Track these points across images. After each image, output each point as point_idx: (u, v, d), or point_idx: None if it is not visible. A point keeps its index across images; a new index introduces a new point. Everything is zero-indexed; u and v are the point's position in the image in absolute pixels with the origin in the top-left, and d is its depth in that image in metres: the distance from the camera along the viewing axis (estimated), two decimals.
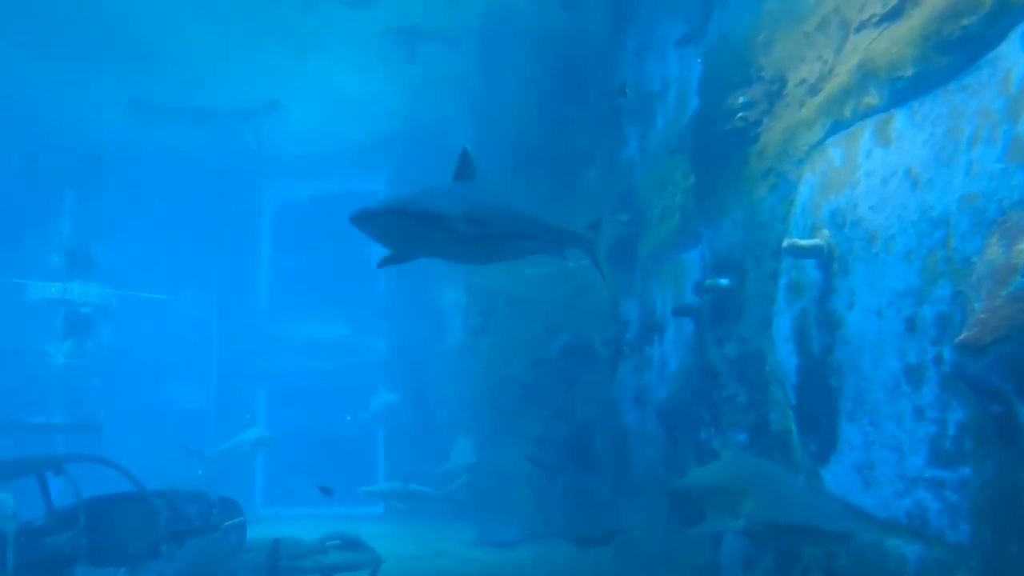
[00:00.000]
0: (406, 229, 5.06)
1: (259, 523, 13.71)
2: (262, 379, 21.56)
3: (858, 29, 6.44)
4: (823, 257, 6.52)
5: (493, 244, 5.55)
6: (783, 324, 7.19)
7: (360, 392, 19.82)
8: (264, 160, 19.39)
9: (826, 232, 6.52)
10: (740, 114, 7.96)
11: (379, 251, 5.31)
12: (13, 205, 17.47)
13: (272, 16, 13.17)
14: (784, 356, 7.15)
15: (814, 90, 7.02)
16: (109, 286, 19.23)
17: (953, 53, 5.27)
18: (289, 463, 19.60)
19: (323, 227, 17.05)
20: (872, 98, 6.08)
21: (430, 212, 5.07)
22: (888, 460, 5.73)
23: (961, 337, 4.72)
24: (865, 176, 6.12)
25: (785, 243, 6.74)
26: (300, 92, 16.08)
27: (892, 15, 6.00)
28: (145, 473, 9.39)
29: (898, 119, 5.81)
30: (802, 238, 6.71)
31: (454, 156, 5.86)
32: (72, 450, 14.06)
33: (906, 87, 5.72)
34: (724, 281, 8.15)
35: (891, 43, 5.90)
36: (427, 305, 19.59)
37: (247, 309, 21.92)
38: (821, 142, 6.79)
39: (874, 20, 6.21)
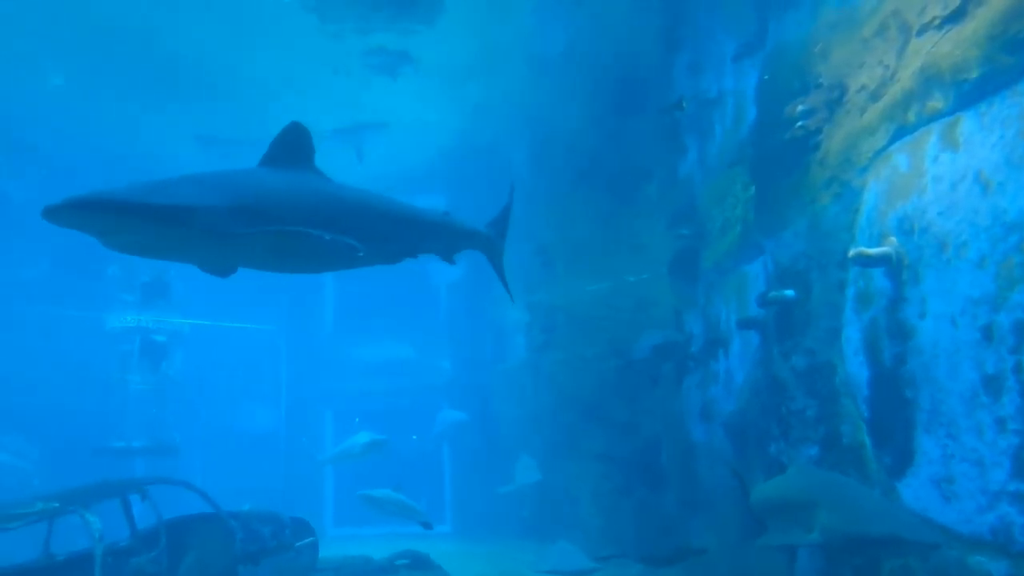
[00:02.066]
0: (133, 228, 4.00)
1: (330, 543, 13.94)
2: (330, 401, 21.98)
3: (919, 32, 6.31)
4: (892, 265, 6.37)
5: (299, 246, 4.44)
6: (852, 335, 7.04)
7: (426, 412, 20.02)
8: None
9: (894, 240, 6.38)
10: (800, 123, 7.86)
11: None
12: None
13: (332, 47, 13.54)
14: (854, 368, 6.99)
15: (875, 96, 6.90)
16: (182, 315, 19.91)
17: (1021, 53, 5.13)
18: (357, 482, 19.89)
19: None
20: (937, 102, 5.95)
21: (157, 205, 3.97)
22: (969, 474, 5.54)
23: None
24: (933, 181, 5.98)
25: (852, 252, 6.61)
26: (361, 119, 16.45)
27: (955, 16, 5.87)
28: (220, 495, 9.66)
29: (965, 122, 5.67)
30: (869, 246, 6.58)
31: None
32: (151, 473, 14.58)
33: (972, 89, 5.58)
34: (789, 292, 8.02)
35: (955, 45, 5.77)
36: (489, 324, 19.72)
37: (314, 334, 22.41)
38: (885, 148, 6.65)
39: (936, 23, 6.08)
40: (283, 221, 4.38)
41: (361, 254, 4.64)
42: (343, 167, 16.86)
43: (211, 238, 4.18)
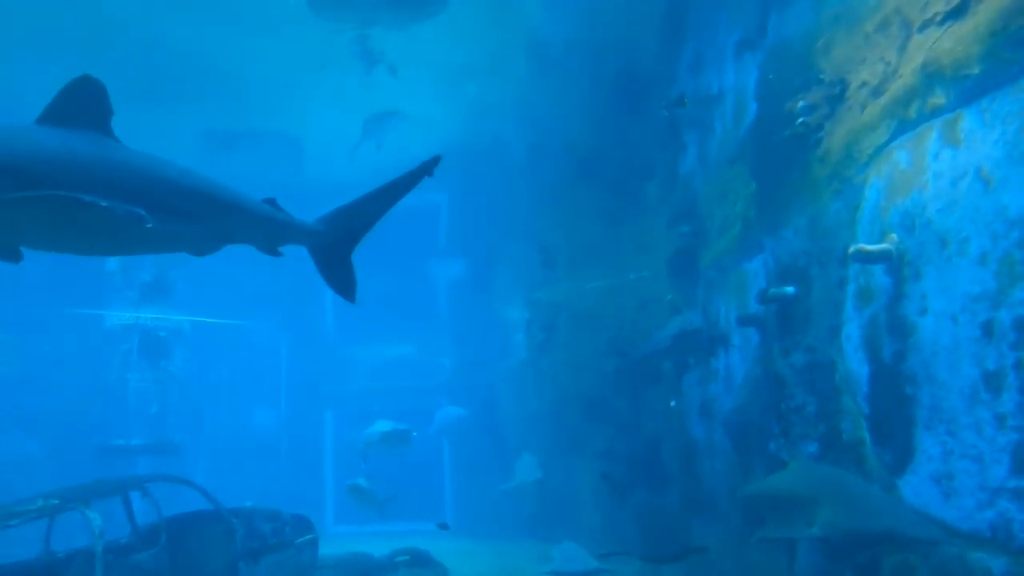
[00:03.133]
0: None
1: (331, 540, 13.95)
2: (330, 401, 21.98)
3: (921, 28, 6.30)
4: (892, 262, 6.36)
5: (74, 215, 3.75)
6: (852, 332, 7.03)
7: (426, 410, 20.02)
8: (327, 184, 19.83)
9: (894, 236, 6.37)
10: (800, 119, 7.84)
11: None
12: None
13: (331, 42, 13.54)
14: (854, 365, 6.98)
15: (877, 92, 6.88)
16: (183, 313, 19.91)
17: (1023, 49, 5.12)
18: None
19: (385, 247, 17.28)
20: (938, 98, 5.93)
21: None
22: (969, 470, 5.54)
23: None
24: (934, 178, 5.97)
25: (852, 249, 6.60)
26: (363, 116, 16.44)
27: (956, 12, 5.85)
28: (222, 492, 9.67)
29: (966, 119, 5.65)
30: (869, 243, 6.57)
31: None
32: (153, 471, 14.59)
33: (974, 86, 5.56)
34: (789, 289, 8.01)
35: (956, 41, 5.76)
36: (491, 322, 19.70)
37: (314, 333, 22.41)
38: (886, 145, 6.64)
39: (938, 18, 6.06)
40: (55, 185, 3.68)
41: (149, 225, 3.98)
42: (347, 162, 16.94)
43: None
